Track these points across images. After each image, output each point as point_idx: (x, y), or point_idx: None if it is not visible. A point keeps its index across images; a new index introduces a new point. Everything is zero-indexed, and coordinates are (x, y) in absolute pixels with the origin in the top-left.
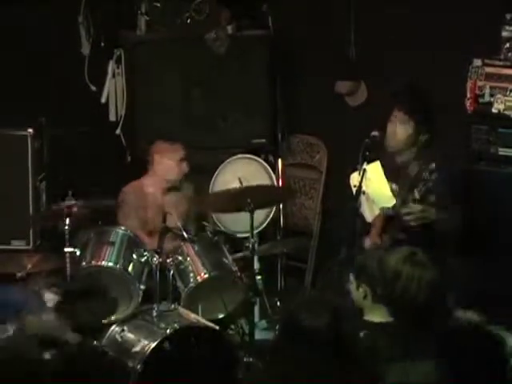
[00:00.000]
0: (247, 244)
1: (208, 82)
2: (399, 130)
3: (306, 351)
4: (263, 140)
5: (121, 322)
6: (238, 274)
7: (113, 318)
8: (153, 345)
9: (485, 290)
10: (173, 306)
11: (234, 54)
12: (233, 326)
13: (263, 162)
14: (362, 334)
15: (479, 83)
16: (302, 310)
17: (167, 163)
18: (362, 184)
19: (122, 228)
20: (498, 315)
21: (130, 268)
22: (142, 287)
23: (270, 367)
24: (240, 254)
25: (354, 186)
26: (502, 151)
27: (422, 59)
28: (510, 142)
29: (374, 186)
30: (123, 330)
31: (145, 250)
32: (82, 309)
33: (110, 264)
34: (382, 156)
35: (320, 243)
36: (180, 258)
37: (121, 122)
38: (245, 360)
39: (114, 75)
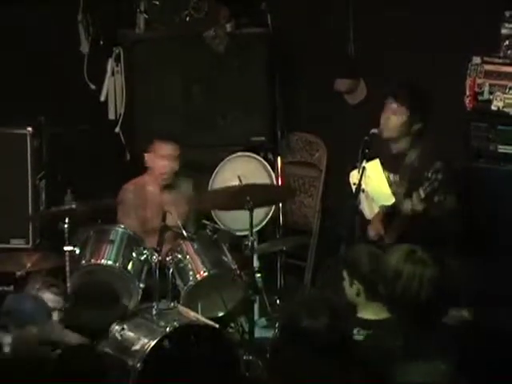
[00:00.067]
0: (246, 242)
1: (207, 79)
2: (392, 119)
3: (306, 352)
4: (262, 138)
5: (120, 321)
6: (238, 271)
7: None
8: (152, 343)
9: (484, 289)
10: (172, 304)
11: (232, 51)
12: (232, 324)
13: (262, 160)
14: (355, 332)
15: (478, 81)
16: (301, 311)
17: (158, 161)
18: (362, 182)
19: (122, 226)
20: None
21: (129, 266)
22: (142, 285)
23: (270, 368)
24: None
25: (354, 184)
26: (502, 148)
27: (422, 57)
28: (510, 139)
29: (374, 183)
30: (123, 329)
31: (144, 248)
32: (93, 314)
33: (110, 262)
34: (379, 146)
35: (319, 241)
36: (179, 256)
37: (120, 120)
38: (244, 358)
39: (113, 73)
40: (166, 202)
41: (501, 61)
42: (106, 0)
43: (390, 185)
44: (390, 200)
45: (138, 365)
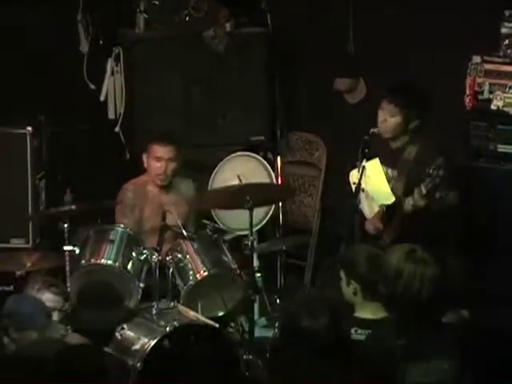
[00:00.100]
0: (246, 242)
1: (207, 79)
2: (389, 120)
3: (306, 351)
4: (262, 137)
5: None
6: (238, 271)
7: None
8: (152, 343)
9: (484, 289)
10: (172, 303)
11: (232, 51)
12: (232, 324)
13: (262, 160)
14: (353, 331)
15: (478, 80)
16: (301, 311)
17: (153, 163)
18: (362, 181)
19: (122, 226)
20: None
21: (129, 266)
22: (142, 285)
23: (270, 367)
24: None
25: (354, 183)
26: (501, 148)
27: (422, 56)
28: (509, 138)
29: (374, 183)
30: (123, 328)
31: (144, 248)
32: (96, 316)
33: (110, 262)
34: (379, 143)
35: (319, 241)
36: (179, 255)
37: (120, 120)
38: (244, 358)
39: (112, 73)
40: (166, 202)
41: (501, 60)
42: (106, 0)
43: (389, 180)
44: (390, 199)
45: (138, 364)
